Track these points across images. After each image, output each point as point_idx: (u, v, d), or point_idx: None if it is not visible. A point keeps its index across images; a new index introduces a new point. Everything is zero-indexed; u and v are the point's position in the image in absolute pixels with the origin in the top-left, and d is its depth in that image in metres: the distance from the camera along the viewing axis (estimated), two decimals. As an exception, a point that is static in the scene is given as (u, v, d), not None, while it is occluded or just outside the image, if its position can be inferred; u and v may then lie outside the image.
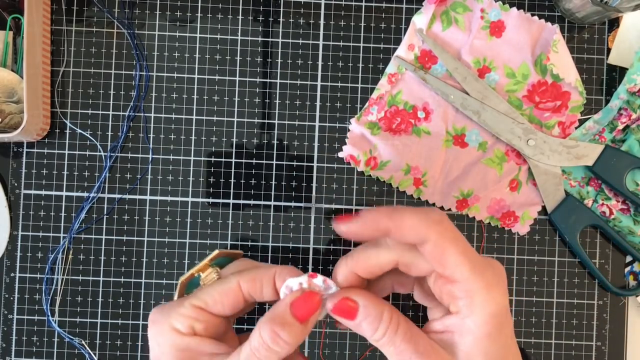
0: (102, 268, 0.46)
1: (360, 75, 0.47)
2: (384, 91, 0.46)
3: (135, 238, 0.46)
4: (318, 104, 0.47)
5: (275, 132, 0.47)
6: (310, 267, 0.47)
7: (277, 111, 0.47)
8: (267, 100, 0.47)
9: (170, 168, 0.47)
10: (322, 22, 0.47)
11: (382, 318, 0.27)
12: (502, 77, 0.46)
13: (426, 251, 0.27)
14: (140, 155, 0.47)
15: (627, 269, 0.47)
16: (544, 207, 0.46)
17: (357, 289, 0.28)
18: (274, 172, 0.47)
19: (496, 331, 0.27)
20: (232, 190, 0.47)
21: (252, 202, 0.47)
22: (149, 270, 0.46)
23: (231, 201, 0.47)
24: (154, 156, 0.47)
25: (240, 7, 0.47)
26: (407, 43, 0.46)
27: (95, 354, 0.46)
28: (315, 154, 0.47)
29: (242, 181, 0.47)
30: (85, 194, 0.46)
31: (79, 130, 0.46)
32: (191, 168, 0.47)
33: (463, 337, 0.28)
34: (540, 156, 0.45)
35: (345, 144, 0.46)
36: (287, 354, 0.27)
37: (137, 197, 0.46)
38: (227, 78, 0.47)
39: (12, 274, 0.46)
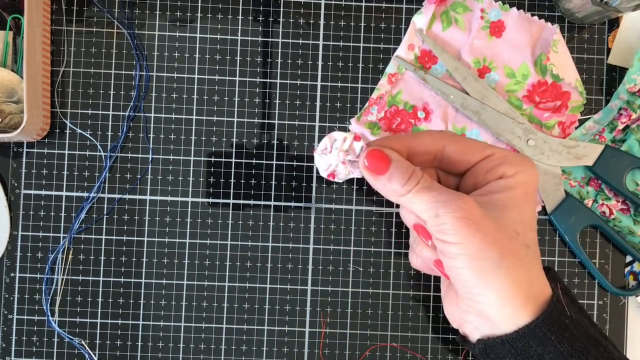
0: (102, 268, 0.46)
1: (360, 75, 0.47)
2: (384, 91, 0.46)
3: (135, 238, 0.46)
4: (318, 104, 0.47)
5: (275, 132, 0.47)
6: (310, 267, 0.47)
7: (277, 111, 0.47)
8: (267, 100, 0.47)
9: (170, 168, 0.47)
10: (322, 22, 0.47)
11: (412, 173, 0.31)
12: (502, 77, 0.46)
13: (449, 151, 0.33)
14: (140, 155, 0.47)
15: (627, 269, 0.47)
16: (544, 207, 0.46)
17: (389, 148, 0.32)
18: (274, 172, 0.47)
19: (530, 195, 0.32)
20: (232, 190, 0.47)
21: (252, 202, 0.47)
22: (149, 270, 0.46)
23: (231, 201, 0.47)
24: (154, 156, 0.47)
25: (240, 7, 0.47)
26: (407, 43, 0.46)
27: (95, 354, 0.46)
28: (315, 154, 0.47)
29: (242, 181, 0.47)
30: (85, 194, 0.46)
31: (79, 130, 0.46)
32: (191, 168, 0.47)
33: (502, 193, 0.32)
34: (540, 156, 0.45)
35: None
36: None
37: (137, 197, 0.46)
38: (227, 78, 0.47)
39: (12, 274, 0.46)
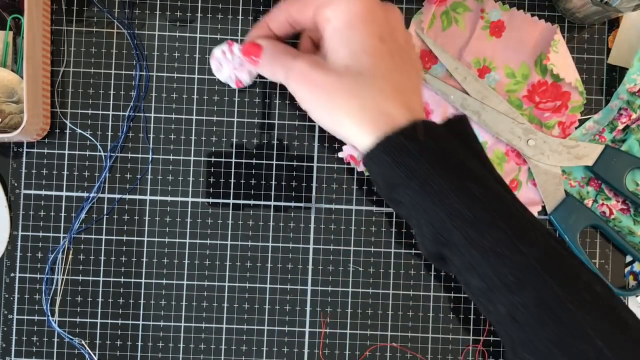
0: (102, 268, 0.46)
1: (360, 75, 0.47)
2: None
3: (135, 238, 0.46)
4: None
5: (275, 132, 0.47)
6: (310, 267, 0.47)
7: (277, 111, 0.47)
8: (267, 100, 0.47)
9: (170, 168, 0.47)
10: (322, 22, 0.47)
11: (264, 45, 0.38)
12: (502, 77, 0.46)
13: (296, 19, 0.37)
14: (140, 155, 0.47)
15: (627, 269, 0.47)
16: (544, 207, 0.46)
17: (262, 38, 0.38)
18: (274, 172, 0.47)
19: (355, 22, 0.33)
20: (232, 190, 0.47)
21: (252, 202, 0.47)
22: (149, 270, 0.46)
23: (231, 201, 0.47)
24: (154, 156, 0.47)
25: (240, 7, 0.47)
26: (407, 43, 0.46)
27: (95, 354, 0.46)
28: (315, 154, 0.47)
29: (242, 181, 0.47)
30: (85, 194, 0.46)
31: (79, 130, 0.46)
32: (191, 168, 0.47)
33: (325, 31, 0.34)
34: (540, 156, 0.45)
35: (345, 144, 0.46)
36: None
37: (137, 197, 0.46)
38: (227, 78, 0.47)
39: (12, 274, 0.46)
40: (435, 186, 0.30)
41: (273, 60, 0.37)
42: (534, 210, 0.46)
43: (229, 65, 0.44)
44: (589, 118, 0.47)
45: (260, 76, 0.46)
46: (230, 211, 0.47)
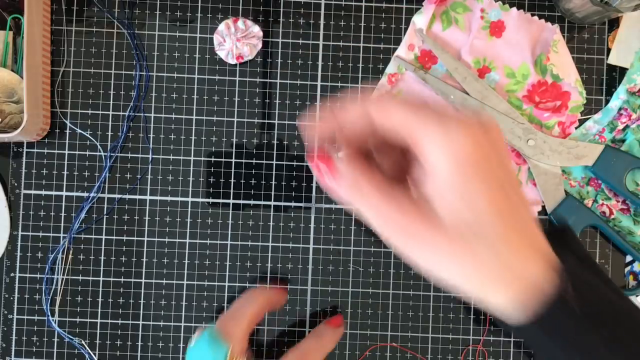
0: (102, 268, 0.46)
1: (360, 75, 0.47)
2: (384, 91, 0.46)
3: (135, 238, 0.46)
4: (318, 103, 0.47)
5: (275, 132, 0.47)
6: (310, 267, 0.47)
7: (277, 111, 0.47)
8: (267, 100, 0.47)
9: (170, 168, 0.47)
10: (322, 22, 0.47)
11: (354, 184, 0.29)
12: (502, 77, 0.46)
13: (376, 124, 0.27)
14: (140, 155, 0.47)
15: (627, 269, 0.47)
16: (544, 207, 0.46)
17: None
18: (274, 172, 0.47)
19: (475, 172, 0.26)
20: (232, 190, 0.47)
21: (252, 202, 0.47)
22: (149, 270, 0.46)
23: (231, 201, 0.47)
24: (154, 156, 0.47)
25: (240, 7, 0.47)
26: (407, 43, 0.46)
27: (95, 354, 0.46)
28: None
29: (242, 181, 0.47)
30: (85, 194, 0.46)
31: (79, 130, 0.46)
32: (191, 168, 0.47)
33: (425, 181, 0.27)
34: (540, 156, 0.45)
35: (345, 144, 0.46)
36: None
37: (137, 197, 0.46)
38: (227, 78, 0.47)
39: (12, 274, 0.46)
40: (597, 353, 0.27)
41: (353, 192, 0.29)
42: (534, 210, 0.46)
43: (232, 38, 0.45)
44: (589, 118, 0.47)
45: (259, 54, 0.46)
46: (230, 211, 0.47)
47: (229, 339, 0.36)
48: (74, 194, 0.46)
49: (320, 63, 0.47)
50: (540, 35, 0.46)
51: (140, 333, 0.46)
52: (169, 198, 0.46)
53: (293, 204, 0.47)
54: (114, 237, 0.46)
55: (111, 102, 0.46)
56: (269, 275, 0.46)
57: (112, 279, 0.46)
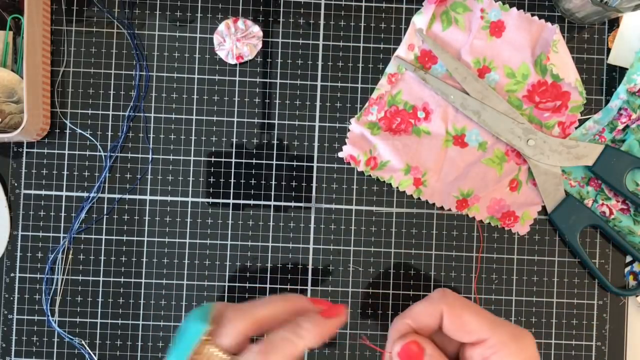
0: (102, 268, 0.46)
1: (360, 75, 0.47)
2: (384, 91, 0.46)
3: (135, 238, 0.46)
4: (318, 104, 0.47)
5: (275, 132, 0.47)
6: (310, 267, 0.47)
7: (277, 111, 0.47)
8: (267, 100, 0.47)
9: (170, 168, 0.47)
10: (322, 22, 0.47)
11: None
12: (502, 77, 0.46)
13: (446, 327, 0.29)
14: (140, 155, 0.47)
15: (627, 269, 0.47)
16: (544, 207, 0.46)
17: (422, 336, 0.30)
18: (274, 172, 0.47)
19: None
20: (232, 190, 0.47)
21: (252, 202, 0.47)
22: (149, 270, 0.46)
23: (231, 201, 0.47)
24: (154, 156, 0.47)
25: (240, 7, 0.47)
26: (407, 43, 0.46)
27: (95, 354, 0.46)
28: (315, 154, 0.47)
29: (242, 181, 0.47)
30: (85, 194, 0.46)
31: (79, 130, 0.46)
32: (191, 168, 0.47)
33: None
34: (540, 156, 0.45)
35: (345, 144, 0.46)
36: None
37: (137, 197, 0.46)
38: (227, 78, 0.47)
39: (12, 274, 0.46)
40: None
41: None
42: (534, 210, 0.46)
43: (232, 38, 0.45)
44: (589, 118, 0.47)
45: (259, 54, 0.46)
46: (230, 211, 0.47)
47: (215, 322, 0.30)
48: (74, 194, 0.46)
49: (320, 63, 0.47)
50: (540, 35, 0.46)
51: (140, 333, 0.46)
52: (169, 198, 0.46)
53: (293, 204, 0.47)
54: (114, 237, 0.46)
55: (111, 102, 0.47)
56: (269, 275, 0.46)
57: (112, 279, 0.46)
